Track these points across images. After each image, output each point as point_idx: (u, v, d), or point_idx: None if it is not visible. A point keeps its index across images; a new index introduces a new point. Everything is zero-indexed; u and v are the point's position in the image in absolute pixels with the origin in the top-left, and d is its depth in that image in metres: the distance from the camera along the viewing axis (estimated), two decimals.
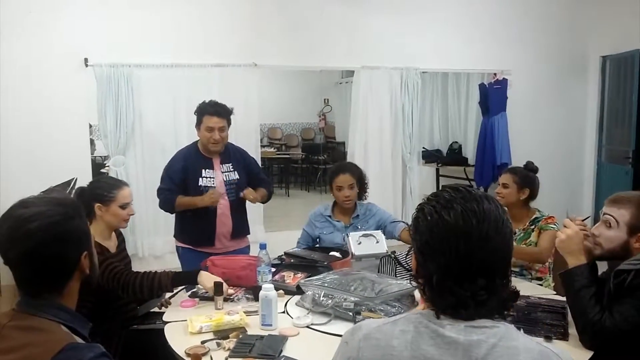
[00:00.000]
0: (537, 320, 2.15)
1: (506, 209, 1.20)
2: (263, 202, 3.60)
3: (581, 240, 2.03)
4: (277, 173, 10.67)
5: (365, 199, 3.43)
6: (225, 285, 2.44)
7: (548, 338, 1.98)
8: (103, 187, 2.56)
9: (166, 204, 3.33)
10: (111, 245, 2.63)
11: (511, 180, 3.09)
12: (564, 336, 2.03)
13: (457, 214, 1.07)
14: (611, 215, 1.97)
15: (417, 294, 2.32)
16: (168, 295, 2.61)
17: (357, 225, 3.24)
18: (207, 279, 2.44)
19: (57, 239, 1.29)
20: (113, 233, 2.68)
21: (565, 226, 2.08)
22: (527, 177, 3.12)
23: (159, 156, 5.07)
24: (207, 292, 2.51)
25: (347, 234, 2.93)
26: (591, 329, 1.90)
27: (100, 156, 7.31)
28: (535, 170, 3.18)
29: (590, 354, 1.89)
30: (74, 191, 2.71)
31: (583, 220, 2.13)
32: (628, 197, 1.99)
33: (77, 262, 1.34)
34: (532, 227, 3.05)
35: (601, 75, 6.89)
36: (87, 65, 5.04)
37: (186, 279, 2.54)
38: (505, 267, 1.11)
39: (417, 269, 1.15)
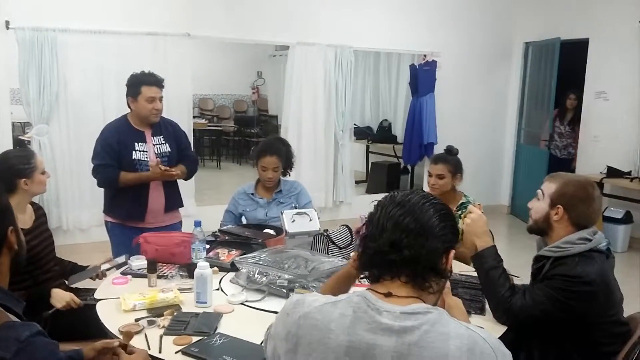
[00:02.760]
0: (458, 296, 2.28)
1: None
2: (185, 179, 3.54)
3: (485, 223, 2.17)
4: (209, 145, 10.50)
5: (289, 175, 3.47)
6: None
7: (467, 313, 2.12)
8: (20, 162, 2.50)
9: (109, 181, 3.25)
10: (26, 219, 2.55)
11: (446, 170, 3.09)
12: (482, 311, 2.18)
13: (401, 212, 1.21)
14: (541, 189, 2.11)
15: None
16: (104, 267, 2.60)
17: (280, 200, 3.33)
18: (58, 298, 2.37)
19: None
20: (29, 206, 2.61)
21: (470, 211, 2.23)
22: (459, 162, 3.15)
23: (84, 126, 4.92)
24: (140, 269, 2.51)
25: (281, 212, 2.97)
26: (502, 306, 2.05)
27: (20, 122, 6.95)
28: (457, 152, 3.22)
29: (504, 328, 2.05)
30: None
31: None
32: (562, 174, 2.13)
33: (4, 238, 1.30)
34: (459, 212, 3.03)
35: (524, 60, 7.23)
36: (8, 28, 4.75)
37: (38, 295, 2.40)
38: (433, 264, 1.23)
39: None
